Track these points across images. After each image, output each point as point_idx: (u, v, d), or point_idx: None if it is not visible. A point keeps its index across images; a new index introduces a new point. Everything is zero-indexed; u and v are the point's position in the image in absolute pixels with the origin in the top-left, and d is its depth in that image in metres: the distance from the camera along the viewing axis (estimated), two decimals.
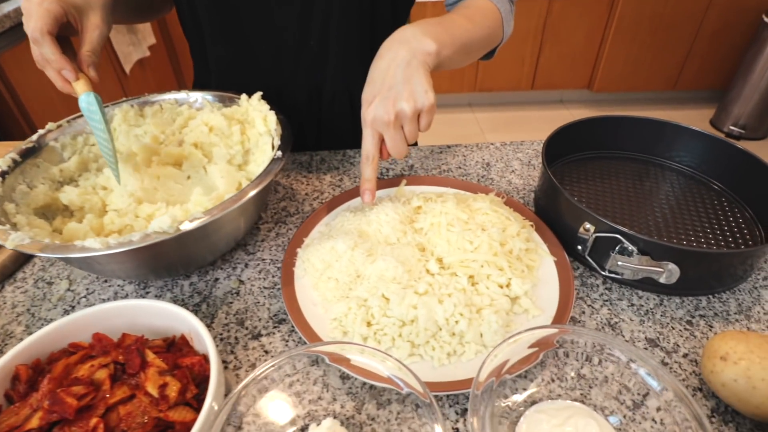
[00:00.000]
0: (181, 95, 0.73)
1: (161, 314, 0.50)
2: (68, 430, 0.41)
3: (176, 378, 0.46)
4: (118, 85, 1.99)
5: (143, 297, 0.60)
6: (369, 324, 0.52)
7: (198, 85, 0.90)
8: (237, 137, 0.66)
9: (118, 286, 0.62)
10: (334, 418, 0.46)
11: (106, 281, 0.63)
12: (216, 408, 0.41)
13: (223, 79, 0.83)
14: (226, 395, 0.45)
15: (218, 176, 0.63)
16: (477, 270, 0.55)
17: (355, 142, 0.89)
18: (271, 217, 0.71)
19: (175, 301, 0.60)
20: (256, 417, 0.46)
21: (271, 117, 0.65)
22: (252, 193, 0.53)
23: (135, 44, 2.03)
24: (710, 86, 2.80)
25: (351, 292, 0.54)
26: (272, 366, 0.44)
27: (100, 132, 0.56)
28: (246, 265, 0.64)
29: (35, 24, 0.51)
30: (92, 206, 0.62)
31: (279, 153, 0.58)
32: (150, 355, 0.46)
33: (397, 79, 0.55)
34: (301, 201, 0.74)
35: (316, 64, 0.79)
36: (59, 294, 0.61)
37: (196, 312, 0.58)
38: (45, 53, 0.52)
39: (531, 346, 0.44)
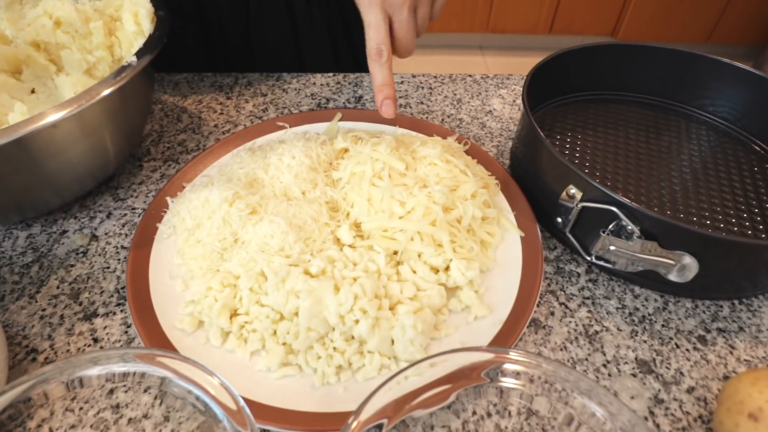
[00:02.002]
0: None
1: None
2: None
3: None
4: None
5: None
6: (235, 314, 0.36)
7: None
8: (100, 39, 0.47)
9: None
10: None
11: None
12: None
13: None
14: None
15: (70, 91, 0.45)
16: (404, 244, 0.38)
17: (296, 63, 0.70)
18: (162, 153, 0.54)
19: (1, 257, 0.44)
20: None
21: (145, 11, 0.46)
22: (104, 93, 0.36)
23: None
24: (748, 42, 2.51)
25: (223, 263, 0.38)
26: (44, 380, 0.29)
27: None
28: (108, 215, 0.47)
29: None
30: None
31: (133, 59, 0.40)
32: None
33: None
34: (207, 135, 0.56)
35: None
36: None
37: (21, 276, 0.42)
38: None
39: (442, 381, 0.28)
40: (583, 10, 2.53)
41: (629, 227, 0.37)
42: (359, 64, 0.76)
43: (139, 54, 0.41)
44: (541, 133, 0.42)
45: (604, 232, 0.39)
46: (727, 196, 0.48)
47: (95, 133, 0.42)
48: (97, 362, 0.31)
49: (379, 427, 0.27)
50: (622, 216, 0.37)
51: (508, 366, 0.29)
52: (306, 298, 0.33)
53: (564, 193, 0.41)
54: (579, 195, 0.40)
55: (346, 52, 0.74)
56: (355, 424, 0.25)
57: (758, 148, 0.53)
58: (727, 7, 2.39)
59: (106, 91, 0.38)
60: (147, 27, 0.46)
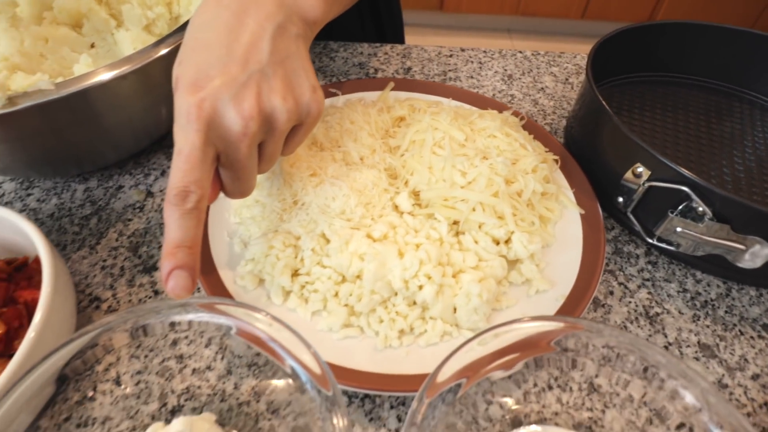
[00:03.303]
0: None
1: (5, 225, 0.35)
2: None
3: (2, 319, 0.31)
4: None
5: (22, 199, 0.45)
6: (296, 273, 0.36)
7: None
8: None
9: None
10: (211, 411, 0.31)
11: None
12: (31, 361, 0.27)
13: None
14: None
15: (129, 47, 0.45)
16: (466, 214, 0.37)
17: (323, 31, 0.68)
18: None
19: (60, 209, 0.44)
20: (114, 384, 0.32)
21: None
22: (163, 51, 0.36)
23: None
24: None
25: (281, 224, 0.38)
26: (109, 328, 0.29)
27: None
28: (162, 173, 0.48)
29: None
30: None
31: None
32: None
33: (263, 53, 0.30)
34: None
35: None
36: None
37: (81, 227, 0.43)
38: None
39: (513, 348, 0.28)
40: None
41: (700, 209, 0.36)
42: (382, 36, 0.74)
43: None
44: (609, 109, 0.41)
45: (672, 212, 0.38)
46: None
47: (154, 90, 0.42)
48: (159, 311, 0.31)
49: (457, 387, 0.27)
50: (694, 197, 0.36)
51: (580, 335, 0.28)
52: (371, 261, 0.33)
53: (629, 172, 0.40)
54: (646, 174, 0.39)
55: (370, 23, 0.73)
56: (432, 384, 0.25)
57: None
58: None
59: (168, 49, 0.38)
60: None
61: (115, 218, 0.44)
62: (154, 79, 0.40)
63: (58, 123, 0.38)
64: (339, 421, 0.24)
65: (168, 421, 0.31)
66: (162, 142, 0.50)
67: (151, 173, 0.48)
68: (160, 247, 0.41)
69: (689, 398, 0.27)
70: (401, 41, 0.79)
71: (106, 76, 0.36)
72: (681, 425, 0.28)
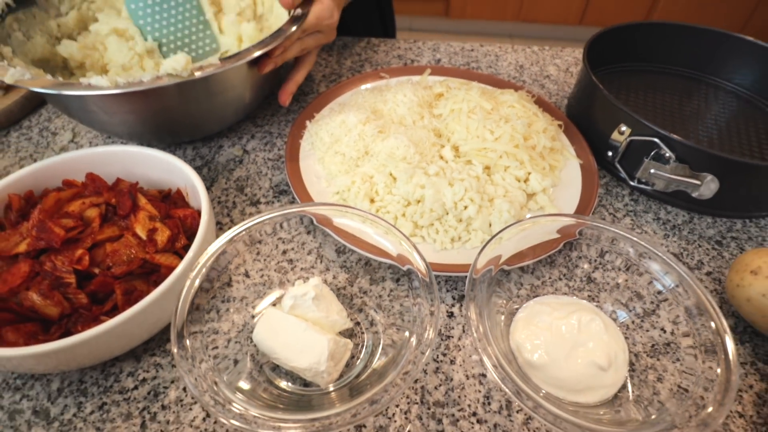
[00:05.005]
0: None
1: (159, 165, 0.48)
2: (54, 258, 0.40)
3: (167, 226, 0.44)
4: None
5: None
6: (372, 200, 0.49)
7: None
8: None
9: (122, 142, 0.60)
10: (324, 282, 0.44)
11: (109, 137, 0.60)
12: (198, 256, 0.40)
13: None
14: None
15: (229, 33, 0.58)
16: (495, 160, 0.50)
17: (341, 27, 0.82)
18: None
19: None
20: (245, 276, 0.44)
21: None
22: (273, 45, 0.48)
23: None
24: None
25: (357, 168, 0.51)
26: (261, 221, 0.42)
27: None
28: (252, 136, 0.61)
29: None
30: (94, 63, 0.58)
31: (299, 11, 0.53)
32: (142, 200, 0.44)
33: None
34: (318, 82, 0.69)
35: None
36: (62, 144, 0.59)
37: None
38: None
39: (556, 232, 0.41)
40: (614, 1, 2.59)
41: (667, 154, 0.49)
42: (387, 31, 0.89)
43: (294, 21, 0.53)
44: (600, 85, 0.54)
45: (647, 158, 0.51)
46: (744, 147, 0.59)
47: (255, 76, 0.54)
48: (265, 221, 0.43)
49: (490, 270, 0.40)
50: (662, 145, 0.49)
51: (585, 229, 0.41)
52: (430, 188, 0.46)
53: (615, 132, 0.53)
54: (628, 131, 0.52)
55: (377, 20, 0.88)
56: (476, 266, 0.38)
57: None
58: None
59: (277, 42, 0.50)
60: None
61: (221, 168, 0.56)
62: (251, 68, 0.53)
63: (187, 99, 0.50)
64: (434, 297, 0.36)
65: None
66: (249, 114, 0.63)
67: (243, 136, 0.60)
68: (260, 189, 0.54)
69: (666, 277, 0.40)
70: (394, 34, 0.94)
71: (236, 63, 0.47)
72: (661, 297, 0.41)
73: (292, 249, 0.46)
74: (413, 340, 0.36)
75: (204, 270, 0.38)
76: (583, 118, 0.60)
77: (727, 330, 0.35)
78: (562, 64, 0.75)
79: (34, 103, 0.65)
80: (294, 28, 0.50)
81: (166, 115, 0.51)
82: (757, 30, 2.54)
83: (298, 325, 0.37)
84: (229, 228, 0.50)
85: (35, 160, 0.57)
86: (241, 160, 0.57)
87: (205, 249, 0.41)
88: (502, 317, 0.42)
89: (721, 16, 2.53)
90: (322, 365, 0.35)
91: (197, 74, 0.44)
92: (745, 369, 0.41)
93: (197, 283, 0.37)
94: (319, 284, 0.40)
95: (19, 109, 0.63)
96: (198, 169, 0.56)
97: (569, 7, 2.65)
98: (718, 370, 0.33)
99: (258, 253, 0.46)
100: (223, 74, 0.49)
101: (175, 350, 0.33)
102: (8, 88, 0.64)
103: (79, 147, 0.59)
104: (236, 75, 0.51)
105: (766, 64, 0.65)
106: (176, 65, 0.43)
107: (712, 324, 0.35)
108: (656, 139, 0.49)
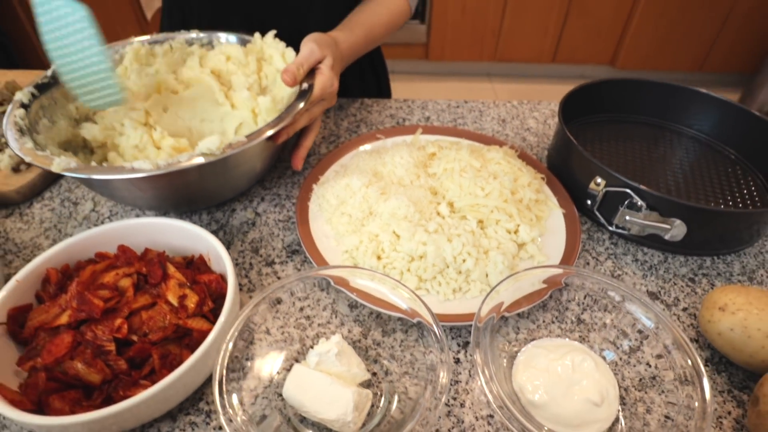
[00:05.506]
0: (192, 35, 0.72)
1: (182, 234, 0.53)
2: (94, 328, 0.43)
3: (195, 291, 0.48)
4: (139, 31, 1.98)
5: None
6: (379, 257, 0.54)
7: (166, 19, 0.87)
8: (253, 67, 0.66)
9: (140, 210, 0.64)
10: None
11: (129, 207, 0.65)
12: (229, 321, 0.44)
13: (203, 8, 0.81)
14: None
15: (242, 107, 0.63)
16: (487, 215, 0.56)
17: (363, 92, 0.90)
18: (288, 156, 0.72)
19: None
20: (266, 334, 0.48)
21: (290, 53, 0.65)
22: (288, 120, 0.54)
23: None
24: (738, 69, 2.72)
25: (363, 227, 0.56)
26: (282, 286, 0.46)
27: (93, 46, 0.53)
28: (262, 199, 0.66)
29: None
30: (114, 142, 0.62)
31: (305, 85, 0.59)
32: (171, 269, 0.49)
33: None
34: (318, 143, 0.75)
35: (299, 7, 0.78)
36: (84, 213, 0.63)
37: None
38: None
39: (541, 282, 0.46)
40: (583, 40, 2.75)
41: (639, 203, 0.55)
42: (381, 88, 0.98)
43: (301, 95, 0.59)
44: (575, 141, 0.61)
45: (621, 206, 0.57)
46: (708, 187, 0.66)
47: (269, 147, 0.60)
48: (285, 286, 0.48)
49: (493, 318, 0.45)
50: (634, 195, 0.55)
51: (571, 278, 0.46)
52: (431, 245, 0.51)
53: (592, 183, 0.59)
54: (603, 183, 0.58)
55: (373, 82, 0.96)
56: (480, 315, 0.43)
57: (731, 155, 0.72)
58: (718, 37, 2.60)
59: (290, 118, 0.55)
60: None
61: (236, 231, 0.61)
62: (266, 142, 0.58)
63: (207, 174, 0.55)
64: (444, 346, 0.41)
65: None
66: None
67: (254, 199, 0.66)
68: (274, 249, 0.58)
69: (643, 317, 0.45)
70: (388, 90, 1.02)
71: (257, 140, 0.52)
72: (643, 335, 0.46)
73: (309, 306, 0.51)
74: (428, 387, 0.40)
75: (237, 333, 0.42)
76: (562, 169, 0.66)
77: (701, 365, 0.40)
78: (540, 117, 0.83)
79: (55, 174, 0.69)
80: (302, 104, 0.56)
81: (187, 190, 0.56)
82: (715, 65, 2.71)
83: (324, 380, 0.41)
84: (248, 288, 0.55)
85: (59, 231, 0.61)
86: (253, 222, 0.62)
87: (235, 312, 0.46)
88: (504, 360, 0.47)
89: (681, 54, 2.71)
90: (349, 416, 0.38)
91: (228, 152, 0.49)
92: (723, 397, 0.45)
93: (230, 346, 0.41)
94: (340, 341, 0.44)
95: (41, 182, 0.67)
96: (214, 233, 0.61)
97: (542, 47, 2.81)
98: (696, 403, 0.38)
99: (277, 311, 0.50)
100: (242, 150, 0.54)
101: (219, 408, 0.37)
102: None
103: (99, 216, 0.63)
104: (253, 149, 0.56)
105: (720, 112, 0.73)
106: (211, 145, 0.48)
107: (689, 360, 0.40)
108: (628, 190, 0.55)
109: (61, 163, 0.47)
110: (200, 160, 0.48)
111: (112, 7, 2.07)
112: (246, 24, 0.70)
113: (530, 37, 2.75)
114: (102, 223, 0.62)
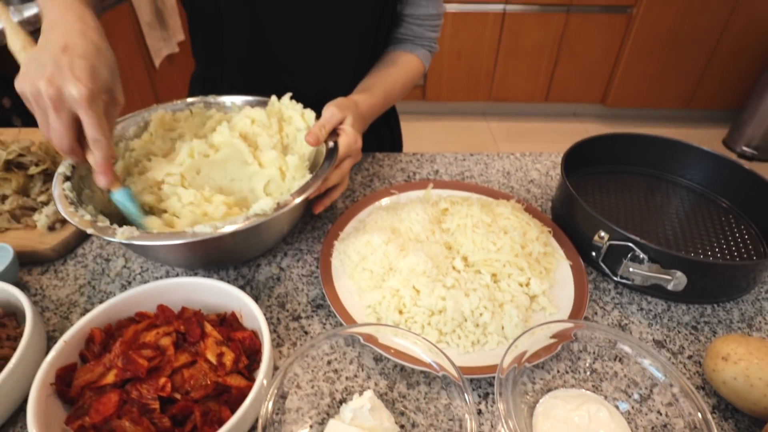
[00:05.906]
0: (209, 99, 0.78)
1: (216, 292, 0.56)
2: (140, 387, 0.46)
3: (230, 349, 0.51)
4: (147, 78, 2.06)
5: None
6: (401, 312, 0.57)
7: (198, 87, 0.94)
8: (275, 128, 0.71)
9: (170, 267, 0.68)
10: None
11: (160, 264, 0.68)
12: (266, 381, 0.47)
13: (235, 77, 0.86)
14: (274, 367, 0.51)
15: (269, 166, 0.67)
16: (499, 269, 0.60)
17: (378, 144, 0.95)
18: (307, 212, 0.77)
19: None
20: (298, 389, 0.51)
21: (309, 113, 0.70)
22: (317, 184, 0.59)
23: (166, 39, 2.11)
24: (724, 106, 2.83)
25: (384, 282, 0.60)
26: (313, 345, 0.50)
27: (136, 219, 0.59)
28: (285, 254, 0.69)
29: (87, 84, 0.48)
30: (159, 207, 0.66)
31: (332, 144, 0.63)
32: (208, 327, 0.52)
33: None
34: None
35: (326, 71, 0.84)
36: (116, 270, 0.67)
37: None
38: (91, 127, 0.50)
39: (550, 338, 0.49)
40: (575, 80, 2.87)
41: (641, 256, 0.59)
42: (395, 143, 1.03)
43: (329, 154, 0.64)
44: (578, 196, 0.66)
45: (625, 259, 0.61)
46: (703, 236, 0.70)
47: (298, 209, 0.64)
48: (316, 345, 0.51)
49: (515, 368, 0.48)
50: (636, 249, 0.59)
51: (582, 331, 0.50)
52: (450, 300, 0.55)
53: (596, 236, 0.63)
54: (606, 236, 0.62)
55: (387, 135, 1.01)
56: (502, 367, 0.46)
57: (724, 204, 0.77)
58: (704, 75, 2.72)
59: (319, 182, 0.60)
60: (312, 123, 0.69)
61: (262, 286, 0.65)
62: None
63: (237, 239, 0.59)
64: (468, 398, 0.44)
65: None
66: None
67: (278, 255, 0.69)
68: (299, 304, 0.62)
69: (651, 367, 0.48)
70: (400, 142, 1.08)
71: (294, 202, 0.56)
72: (653, 383, 0.49)
73: (336, 359, 0.54)
74: None
75: (275, 392, 0.45)
76: (567, 221, 0.71)
77: (708, 413, 0.43)
78: (543, 168, 0.88)
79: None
80: (328, 167, 0.61)
81: (219, 251, 0.60)
82: (703, 102, 2.82)
83: None
84: (277, 343, 0.58)
85: (93, 287, 0.65)
86: (278, 277, 0.66)
87: (271, 368, 0.49)
88: (524, 410, 0.49)
89: (670, 91, 2.82)
90: None
91: (278, 211, 0.54)
92: None
93: (270, 406, 0.44)
94: (372, 396, 0.47)
95: (75, 239, 0.71)
96: (241, 288, 0.64)
97: (534, 87, 2.92)
98: None
99: (307, 365, 0.53)
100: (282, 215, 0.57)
101: None
102: (64, 221, 0.72)
103: (131, 272, 0.67)
104: (284, 214, 0.60)
105: (711, 164, 0.78)
106: (265, 207, 0.53)
107: (698, 411, 0.44)
108: (630, 244, 0.60)
109: (125, 232, 0.51)
110: (254, 221, 0.53)
111: (121, 54, 2.17)
112: (275, 89, 0.75)
113: (523, 78, 2.87)
114: (134, 279, 0.66)
